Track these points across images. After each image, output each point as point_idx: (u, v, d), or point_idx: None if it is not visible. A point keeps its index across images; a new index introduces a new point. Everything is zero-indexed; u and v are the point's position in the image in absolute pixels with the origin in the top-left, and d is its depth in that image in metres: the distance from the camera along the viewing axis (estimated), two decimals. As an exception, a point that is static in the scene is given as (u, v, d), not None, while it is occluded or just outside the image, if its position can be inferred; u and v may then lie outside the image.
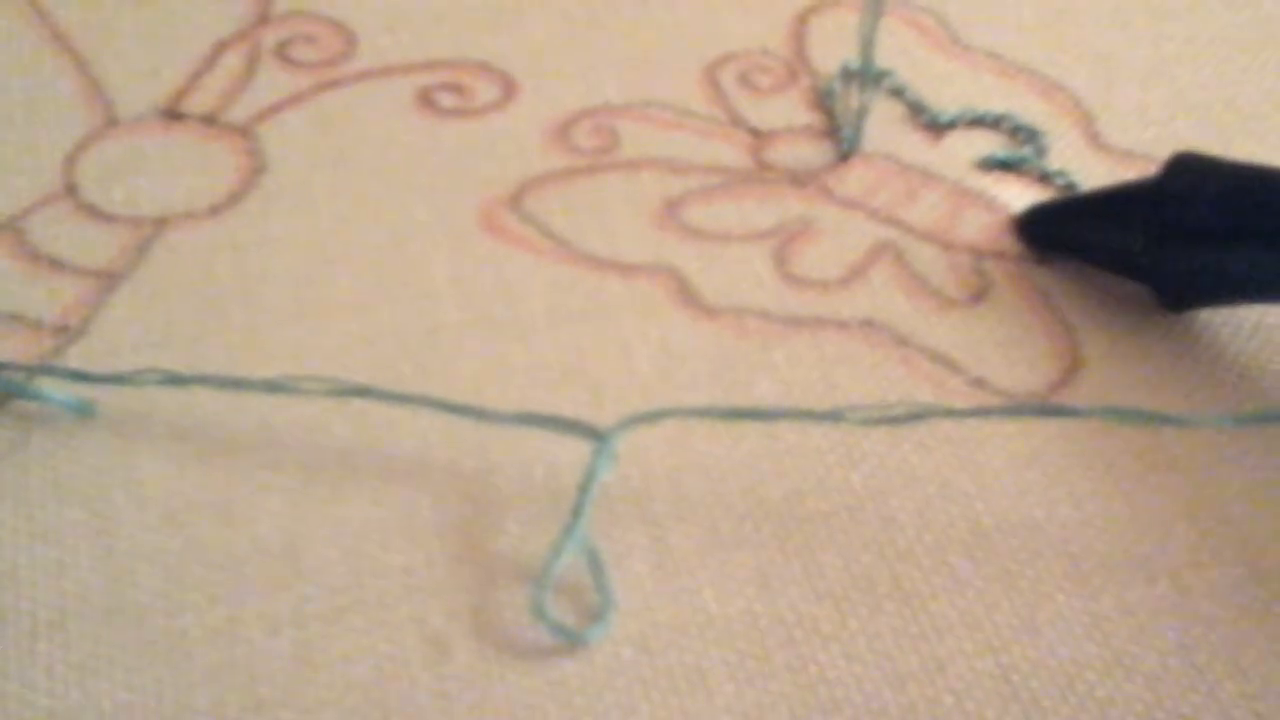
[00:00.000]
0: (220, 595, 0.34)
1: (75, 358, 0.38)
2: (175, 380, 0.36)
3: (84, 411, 0.37)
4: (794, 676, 0.32)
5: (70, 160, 0.43)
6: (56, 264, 0.41)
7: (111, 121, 0.45)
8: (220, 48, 0.47)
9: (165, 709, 0.32)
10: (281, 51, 0.47)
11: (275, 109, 0.45)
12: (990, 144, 0.44)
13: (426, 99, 0.45)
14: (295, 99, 0.45)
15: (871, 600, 0.34)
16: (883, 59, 0.45)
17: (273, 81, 0.46)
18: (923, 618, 0.33)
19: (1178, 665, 0.32)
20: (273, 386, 0.36)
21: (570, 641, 0.33)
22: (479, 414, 0.36)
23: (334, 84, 0.46)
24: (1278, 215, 0.37)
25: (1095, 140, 0.44)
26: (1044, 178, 0.43)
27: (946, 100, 0.45)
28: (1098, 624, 0.33)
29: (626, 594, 0.34)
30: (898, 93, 0.45)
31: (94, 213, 0.42)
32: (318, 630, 0.33)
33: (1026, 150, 0.43)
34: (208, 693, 0.32)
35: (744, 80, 0.46)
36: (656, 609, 0.33)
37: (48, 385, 0.37)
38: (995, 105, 0.45)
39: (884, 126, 0.44)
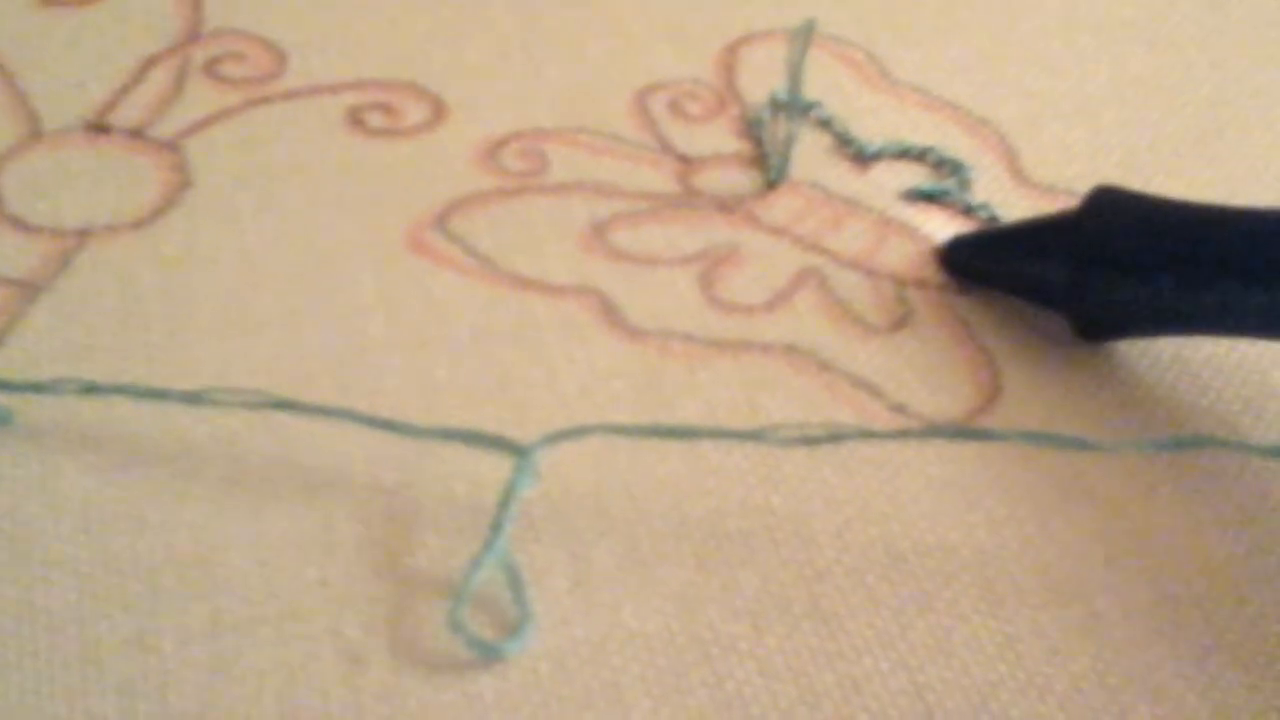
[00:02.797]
0: (133, 605, 0.33)
1: (-8, 366, 0.38)
2: (93, 389, 0.36)
3: (1, 420, 0.36)
4: (710, 693, 0.32)
5: (-6, 171, 0.43)
6: (-24, 273, 0.40)
7: (36, 134, 0.44)
8: (149, 63, 0.47)
9: (75, 718, 0.31)
10: (211, 68, 0.47)
11: (203, 125, 0.45)
12: (915, 176, 0.44)
13: (355, 118, 0.45)
14: (223, 115, 0.45)
15: (789, 619, 0.34)
16: (811, 91, 0.45)
17: (201, 98, 0.46)
18: (839, 636, 0.33)
19: (1090, 688, 0.33)
20: (193, 398, 0.36)
21: (487, 655, 0.32)
22: (400, 428, 0.35)
23: (263, 101, 0.46)
24: (1193, 249, 0.37)
25: (1019, 175, 0.45)
26: (968, 210, 0.43)
27: (873, 132, 0.45)
28: (1011, 645, 0.33)
29: (545, 609, 0.33)
30: (825, 124, 0.46)
31: (16, 223, 0.42)
32: (231, 642, 0.33)
33: (951, 183, 0.44)
34: (118, 702, 0.32)
35: (674, 108, 0.46)
36: (575, 625, 0.33)
37: (-37, 392, 0.36)
38: (921, 139, 0.45)
39: (811, 156, 0.45)
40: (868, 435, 0.36)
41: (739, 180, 0.44)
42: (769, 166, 0.44)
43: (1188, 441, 0.36)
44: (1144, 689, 0.33)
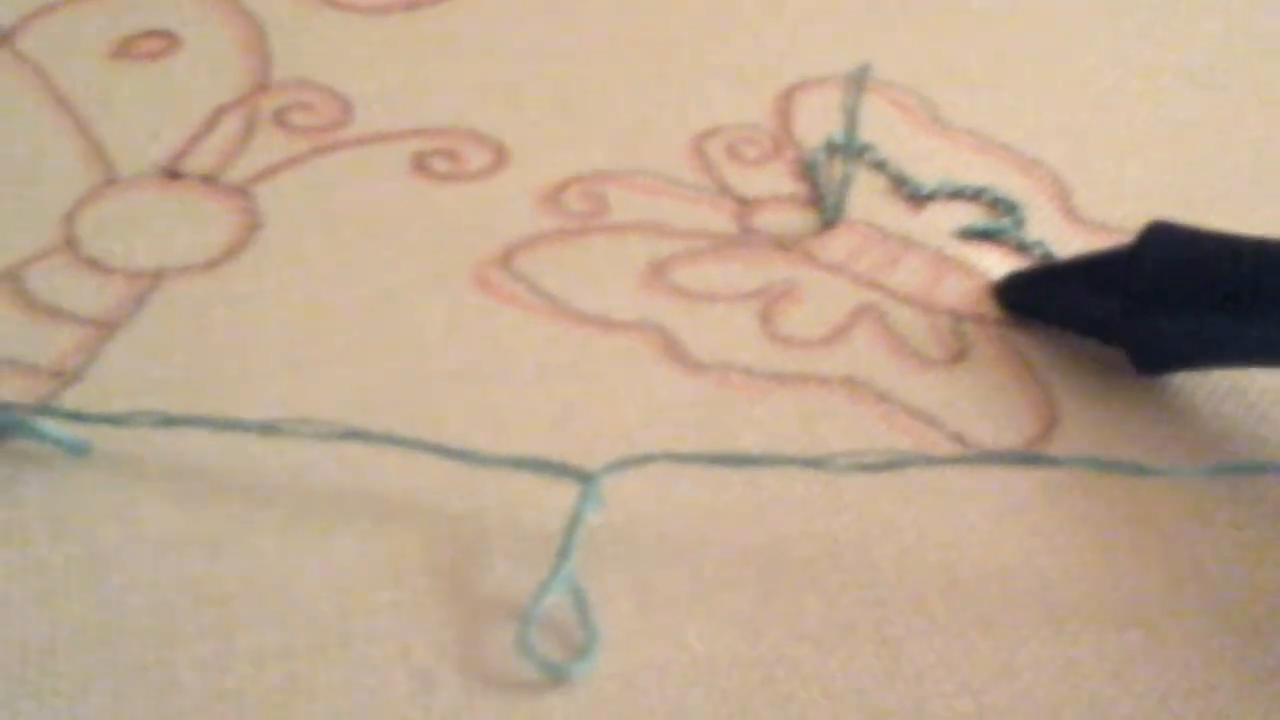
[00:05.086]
0: (209, 629, 0.34)
1: (71, 401, 0.39)
2: (169, 421, 0.37)
3: (80, 451, 0.37)
4: (774, 715, 0.33)
5: (70, 216, 0.44)
6: (55, 312, 0.41)
7: (111, 180, 0.46)
8: (219, 112, 0.48)
9: (153, 736, 0.32)
10: (279, 117, 0.48)
11: (272, 171, 0.46)
12: (970, 215, 0.45)
13: (420, 164, 0.46)
14: (292, 162, 0.46)
15: (851, 643, 0.34)
16: (866, 133, 0.46)
17: (270, 145, 0.47)
18: (902, 660, 0.34)
19: (1153, 709, 0.33)
20: (265, 429, 0.37)
21: (555, 677, 0.33)
22: (468, 457, 0.36)
23: (330, 148, 0.47)
24: (1246, 282, 0.38)
25: (1071, 214, 0.45)
26: (1022, 247, 0.44)
27: (927, 174, 0.46)
28: (1074, 668, 0.34)
29: (611, 632, 0.34)
30: (880, 166, 0.46)
31: (93, 265, 0.43)
32: (305, 664, 0.33)
33: (1005, 221, 0.45)
34: (195, 721, 0.32)
35: (731, 151, 0.47)
36: (640, 647, 0.34)
37: (45, 424, 0.37)
38: (975, 179, 0.46)
39: (866, 197, 0.45)
40: (928, 462, 0.36)
41: (796, 220, 0.45)
42: (825, 206, 0.45)
43: (1244, 468, 0.37)
44: (1205, 711, 0.33)
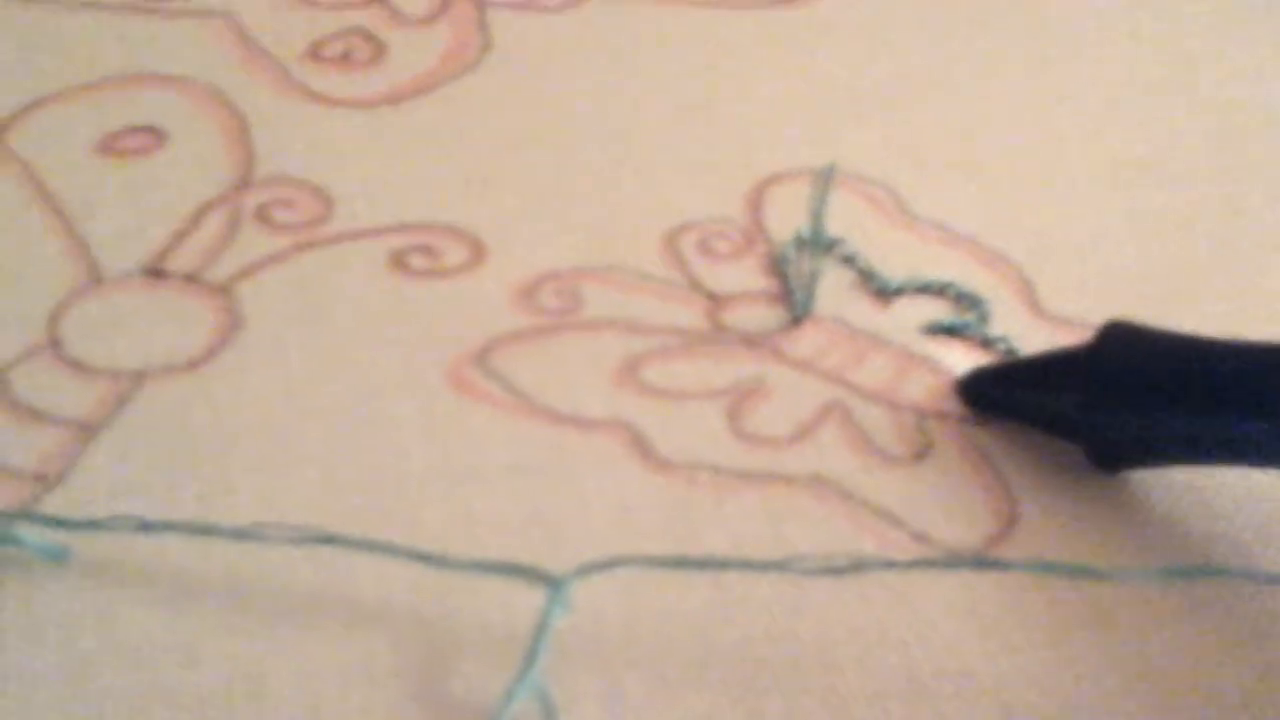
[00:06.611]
0: (184, 734, 0.35)
1: (52, 504, 0.40)
2: (147, 527, 0.38)
3: (58, 557, 0.38)
4: (737, 818, 0.34)
5: (55, 316, 0.45)
6: (37, 414, 0.42)
7: (96, 279, 0.47)
8: (204, 209, 0.49)
9: (127, 844, 0.33)
10: (261, 214, 0.49)
11: (254, 268, 0.47)
12: (936, 310, 0.46)
13: (398, 260, 0.47)
14: (273, 259, 0.47)
15: (813, 745, 0.35)
16: (835, 228, 0.47)
17: (252, 242, 0.48)
18: (862, 762, 0.35)
19: (1106, 811, 0.34)
20: (241, 534, 0.38)
21: (521, 782, 0.34)
22: (439, 561, 0.37)
23: (311, 245, 0.48)
24: (1203, 382, 0.39)
25: (1035, 308, 0.46)
26: (986, 343, 0.45)
27: (895, 267, 0.47)
28: (1030, 770, 0.35)
29: (577, 737, 0.35)
30: (848, 260, 0.47)
31: (76, 366, 0.44)
32: (277, 769, 0.34)
33: (970, 316, 0.46)
34: (169, 829, 0.33)
35: (703, 246, 0.48)
36: (606, 752, 0.35)
37: (24, 531, 0.38)
38: (941, 273, 0.47)
39: (835, 292, 0.46)
40: (889, 565, 0.37)
41: (765, 316, 0.46)
42: (794, 303, 0.46)
43: (1198, 571, 0.37)
44: (1159, 812, 0.34)
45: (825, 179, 0.46)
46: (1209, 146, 0.52)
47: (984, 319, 0.46)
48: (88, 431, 0.42)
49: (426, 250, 0.48)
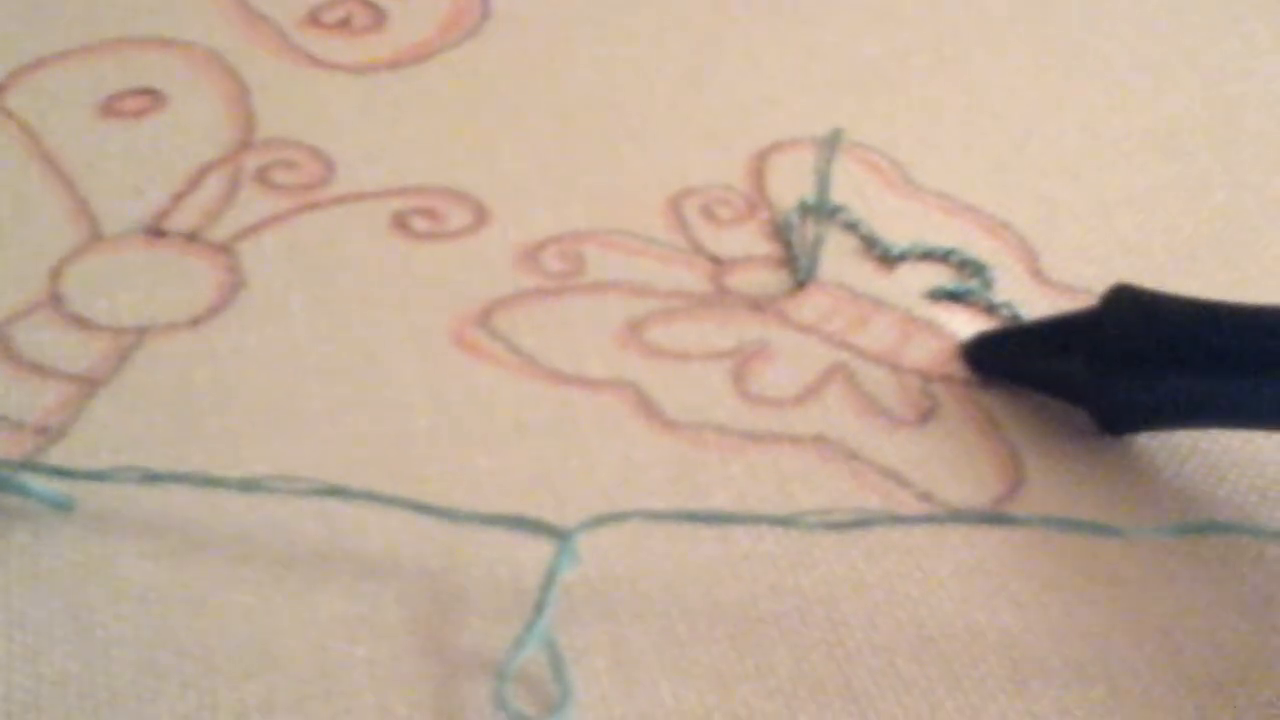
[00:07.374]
0: (191, 682, 0.35)
1: (55, 457, 0.39)
2: (152, 478, 0.38)
3: (63, 506, 0.38)
4: (746, 770, 0.34)
5: (56, 273, 0.45)
6: (39, 369, 0.42)
7: (97, 237, 0.46)
8: (204, 170, 0.49)
9: (134, 790, 0.33)
10: (262, 175, 0.49)
11: (255, 229, 0.47)
12: (939, 276, 0.46)
13: (400, 222, 0.47)
14: (275, 220, 0.47)
15: (821, 698, 0.35)
16: (838, 195, 0.47)
17: (253, 203, 0.48)
18: (870, 715, 0.35)
19: (1114, 765, 0.34)
20: (247, 485, 0.38)
21: (530, 731, 0.34)
22: (446, 514, 0.37)
23: (312, 207, 0.48)
24: (1207, 345, 0.39)
25: (1039, 275, 0.46)
26: (990, 308, 0.45)
27: (898, 235, 0.47)
28: (1038, 724, 0.35)
29: (586, 688, 0.35)
30: (851, 227, 0.47)
31: (77, 321, 0.43)
32: (284, 718, 0.34)
33: (973, 283, 0.46)
34: (176, 775, 0.33)
35: (706, 212, 0.48)
36: (614, 703, 0.35)
37: (29, 480, 0.38)
38: (944, 241, 0.47)
39: (838, 258, 0.46)
40: (895, 521, 0.37)
41: (769, 280, 0.46)
42: (798, 267, 0.46)
43: (1204, 527, 0.38)
44: (1166, 766, 0.34)
45: (831, 144, 0.46)
46: (1212, 117, 0.52)
47: (988, 285, 0.46)
48: (90, 386, 0.42)
49: (429, 213, 0.48)
